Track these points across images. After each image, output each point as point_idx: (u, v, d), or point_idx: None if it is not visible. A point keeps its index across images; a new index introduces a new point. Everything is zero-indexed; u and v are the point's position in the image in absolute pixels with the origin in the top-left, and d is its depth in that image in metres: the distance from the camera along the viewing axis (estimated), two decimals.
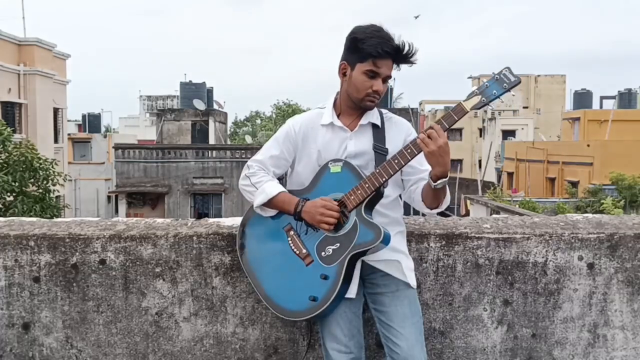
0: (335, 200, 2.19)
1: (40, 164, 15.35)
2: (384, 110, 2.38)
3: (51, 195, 15.79)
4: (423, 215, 2.53)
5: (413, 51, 2.19)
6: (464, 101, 2.10)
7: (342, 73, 2.27)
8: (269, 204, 2.27)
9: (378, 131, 2.30)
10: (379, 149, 2.26)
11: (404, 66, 2.24)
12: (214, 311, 2.59)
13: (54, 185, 15.78)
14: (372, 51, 2.15)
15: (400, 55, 2.19)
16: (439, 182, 2.12)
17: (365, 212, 2.16)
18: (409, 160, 2.14)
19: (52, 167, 15.69)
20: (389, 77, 2.22)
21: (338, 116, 2.31)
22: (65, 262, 2.57)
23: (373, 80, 2.19)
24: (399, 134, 2.33)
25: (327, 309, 2.17)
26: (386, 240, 2.12)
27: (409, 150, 2.13)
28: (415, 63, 2.23)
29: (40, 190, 15.52)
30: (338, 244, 2.17)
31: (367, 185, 2.13)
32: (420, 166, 2.25)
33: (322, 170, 2.25)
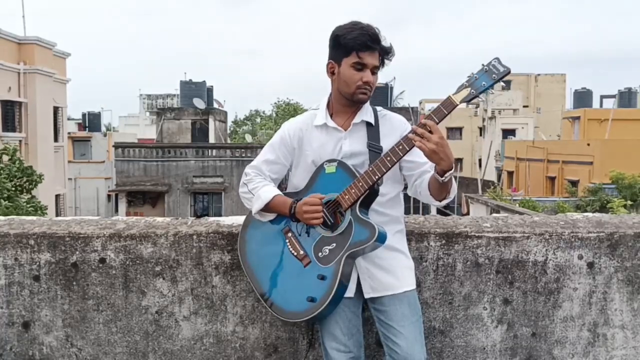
0: (330, 200, 2.19)
1: (25, 168, 15.55)
2: (379, 108, 2.37)
3: (34, 200, 15.91)
4: (423, 214, 2.53)
5: (390, 47, 2.22)
6: (453, 94, 2.07)
7: (331, 72, 2.28)
8: (267, 208, 2.27)
9: (372, 129, 2.29)
10: (374, 148, 2.25)
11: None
12: (214, 310, 2.59)
13: (34, 186, 15.97)
14: (353, 44, 2.17)
15: (382, 46, 2.20)
16: (447, 174, 2.10)
17: (361, 211, 2.16)
18: (401, 157, 2.13)
19: (35, 173, 15.88)
20: (377, 67, 2.23)
21: (331, 116, 2.31)
22: (65, 260, 2.57)
23: (361, 72, 2.20)
24: (393, 130, 2.31)
25: (325, 310, 2.17)
26: (381, 238, 2.12)
27: (400, 147, 2.11)
28: (392, 55, 2.24)
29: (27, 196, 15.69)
30: (334, 244, 2.17)
31: (360, 184, 2.13)
32: (421, 159, 2.22)
33: (318, 171, 2.25)
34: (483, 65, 2.06)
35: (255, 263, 2.35)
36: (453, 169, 2.10)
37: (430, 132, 2.03)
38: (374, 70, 2.22)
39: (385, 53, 2.23)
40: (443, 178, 2.10)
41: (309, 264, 2.20)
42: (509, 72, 2.05)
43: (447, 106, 2.07)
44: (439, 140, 2.02)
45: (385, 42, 2.21)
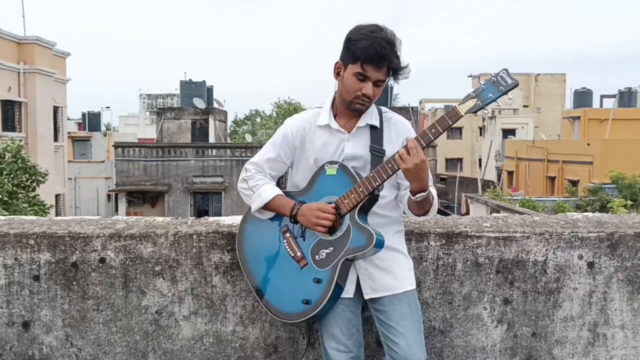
0: (330, 203, 2.19)
1: (28, 167, 15.52)
2: (384, 109, 2.34)
3: (37, 198, 15.87)
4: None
5: (404, 66, 2.15)
6: (459, 105, 2.07)
7: (337, 73, 2.23)
8: (266, 207, 2.27)
9: (376, 132, 2.27)
10: (376, 151, 2.24)
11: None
12: (214, 310, 2.59)
13: (37, 185, 15.94)
14: (360, 54, 2.11)
15: (392, 64, 2.12)
16: (417, 196, 2.12)
17: (359, 216, 2.15)
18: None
19: (39, 172, 15.86)
20: (382, 81, 2.16)
21: (335, 117, 2.29)
22: (65, 260, 2.57)
23: (363, 83, 2.14)
24: (397, 135, 2.30)
25: (320, 312, 2.17)
26: (379, 245, 2.11)
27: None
28: (402, 75, 2.18)
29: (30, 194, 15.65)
30: (332, 248, 2.16)
31: (360, 189, 2.12)
32: None
33: (319, 172, 2.24)
34: (491, 75, 2.05)
35: (252, 260, 2.35)
36: (426, 193, 2.11)
37: (415, 153, 2.03)
38: (378, 84, 2.16)
39: (396, 71, 2.16)
40: (415, 198, 2.12)
41: (306, 265, 2.20)
42: (517, 85, 2.03)
43: (452, 116, 2.06)
44: (418, 162, 2.03)
45: (397, 61, 2.12)
